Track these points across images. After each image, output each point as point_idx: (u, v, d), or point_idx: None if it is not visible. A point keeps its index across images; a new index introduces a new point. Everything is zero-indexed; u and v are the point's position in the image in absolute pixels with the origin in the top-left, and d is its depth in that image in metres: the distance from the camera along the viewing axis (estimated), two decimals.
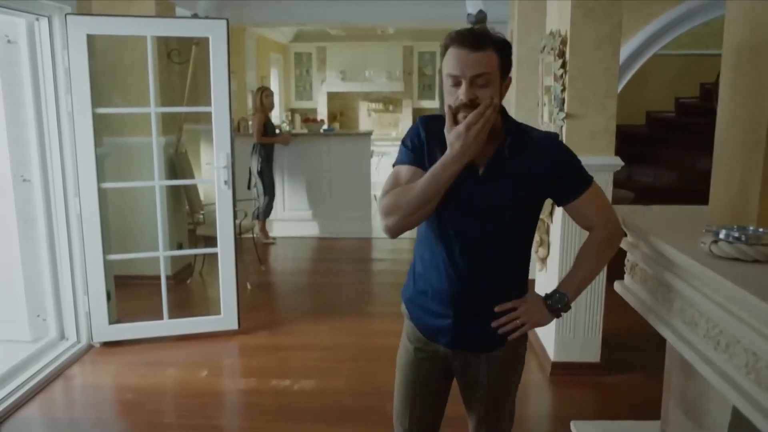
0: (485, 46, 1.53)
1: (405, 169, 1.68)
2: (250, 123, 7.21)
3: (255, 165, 6.46)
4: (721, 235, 1.42)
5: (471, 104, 1.53)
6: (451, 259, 1.69)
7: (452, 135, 1.55)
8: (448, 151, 1.58)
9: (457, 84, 1.55)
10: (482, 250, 1.68)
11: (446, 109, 1.59)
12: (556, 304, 1.76)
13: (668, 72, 8.50)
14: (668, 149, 7.98)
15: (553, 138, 1.71)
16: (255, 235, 6.18)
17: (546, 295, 1.79)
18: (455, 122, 1.56)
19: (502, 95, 1.61)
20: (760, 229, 1.46)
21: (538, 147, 1.65)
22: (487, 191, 1.64)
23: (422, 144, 1.68)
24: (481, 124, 1.52)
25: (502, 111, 1.68)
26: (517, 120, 1.73)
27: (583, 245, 1.78)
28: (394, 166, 1.73)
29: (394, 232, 1.66)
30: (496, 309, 1.72)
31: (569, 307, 1.79)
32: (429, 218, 1.68)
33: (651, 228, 1.75)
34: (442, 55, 1.60)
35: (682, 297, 1.60)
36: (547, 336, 3.74)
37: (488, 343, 1.77)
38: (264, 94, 6.47)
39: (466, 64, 1.52)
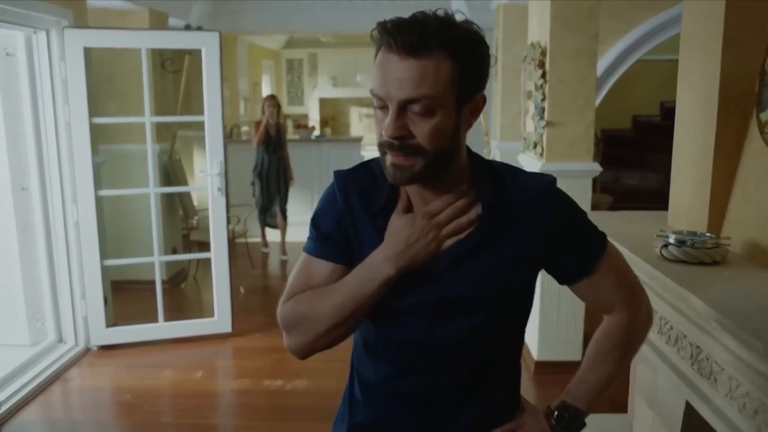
0: (428, 49, 0.95)
1: (316, 265, 1.15)
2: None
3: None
4: (671, 240, 1.56)
5: (400, 145, 0.99)
6: (402, 382, 1.16)
7: (395, 222, 1.08)
8: (382, 246, 1.07)
9: (383, 108, 1.01)
10: (448, 367, 1.13)
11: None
12: (569, 424, 1.20)
13: (654, 77, 8.67)
14: (654, 153, 8.15)
15: (547, 192, 1.11)
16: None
17: (549, 409, 1.22)
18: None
19: (466, 125, 1.06)
20: (706, 234, 1.60)
21: (525, 211, 1.09)
22: (449, 287, 1.09)
23: (339, 223, 1.13)
24: (452, 227, 1.06)
25: (470, 153, 1.12)
26: (495, 153, 1.27)
27: (597, 335, 1.23)
28: (304, 250, 1.19)
29: (301, 354, 1.19)
30: None
31: (584, 424, 1.22)
32: (364, 324, 1.18)
33: (614, 233, 1.88)
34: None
35: None
36: (531, 336, 3.88)
37: None
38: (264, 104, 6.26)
39: (392, 80, 0.97)
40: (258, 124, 6.10)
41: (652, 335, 1.64)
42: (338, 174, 1.18)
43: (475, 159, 1.13)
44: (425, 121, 0.98)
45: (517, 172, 1.14)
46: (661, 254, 1.57)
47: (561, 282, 1.18)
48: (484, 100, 1.06)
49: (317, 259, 1.14)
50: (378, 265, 1.06)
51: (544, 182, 1.12)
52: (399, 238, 1.05)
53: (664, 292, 1.55)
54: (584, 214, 1.17)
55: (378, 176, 1.11)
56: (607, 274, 1.14)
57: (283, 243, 6.34)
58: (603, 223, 2.07)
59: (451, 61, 0.97)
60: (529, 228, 1.08)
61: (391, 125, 0.98)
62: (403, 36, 0.94)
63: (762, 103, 1.54)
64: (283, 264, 6.28)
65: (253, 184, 6.19)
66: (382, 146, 1.02)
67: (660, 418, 1.81)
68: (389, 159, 1.02)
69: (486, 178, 1.10)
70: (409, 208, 1.09)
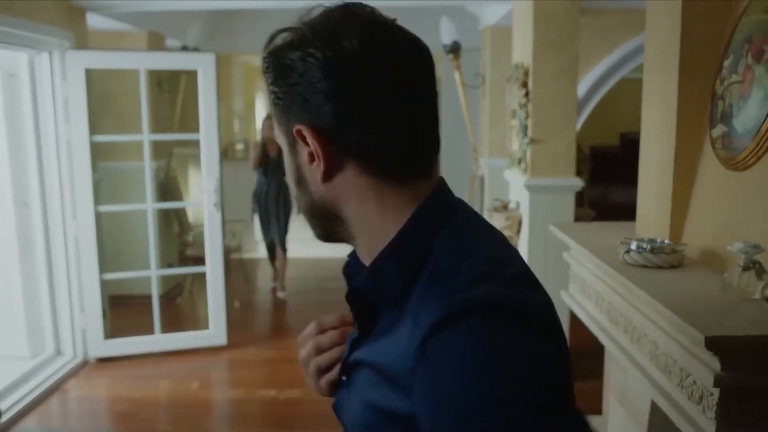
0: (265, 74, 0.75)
1: None
2: None
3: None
4: (632, 246, 1.70)
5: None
6: None
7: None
8: None
9: None
10: None
11: None
12: None
13: (640, 94, 8.86)
14: None
15: (439, 322, 0.63)
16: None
17: None
18: None
19: (317, 172, 0.74)
20: (665, 241, 1.74)
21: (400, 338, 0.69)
22: (344, 406, 0.84)
23: None
24: (325, 359, 0.85)
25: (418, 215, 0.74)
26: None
27: None
28: None
29: None
30: None
31: None
32: None
33: (584, 241, 2.03)
34: None
35: (609, 300, 1.87)
36: None
37: None
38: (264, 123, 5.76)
39: None
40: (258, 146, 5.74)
41: (621, 336, 1.78)
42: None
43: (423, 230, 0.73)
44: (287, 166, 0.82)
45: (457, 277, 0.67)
46: (624, 260, 1.71)
47: None
48: (314, 136, 0.72)
49: None
50: None
51: (450, 302, 0.63)
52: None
53: (626, 294, 1.69)
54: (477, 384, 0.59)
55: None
56: None
57: (282, 278, 5.73)
58: (576, 234, 2.21)
59: (272, 88, 0.76)
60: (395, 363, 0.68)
61: None
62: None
63: (713, 121, 1.69)
64: (281, 302, 5.69)
65: (253, 210, 5.82)
66: None
67: (630, 416, 1.94)
68: None
69: (391, 275, 0.73)
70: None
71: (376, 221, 0.75)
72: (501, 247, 0.74)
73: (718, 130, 1.66)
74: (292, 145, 0.76)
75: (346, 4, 0.73)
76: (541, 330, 0.64)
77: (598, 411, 3.45)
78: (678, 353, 1.38)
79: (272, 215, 5.54)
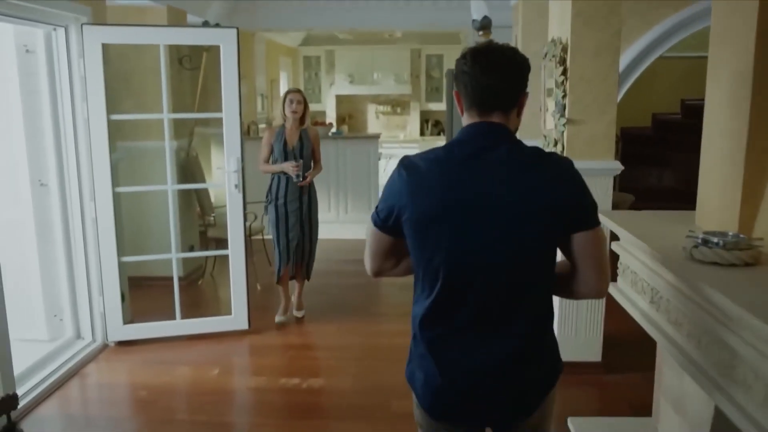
0: None
1: None
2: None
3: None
4: (701, 240, 1.51)
5: None
6: None
7: None
8: None
9: None
10: None
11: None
12: None
13: (674, 74, 8.54)
14: (674, 151, 8.03)
15: None
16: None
17: None
18: None
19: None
20: (739, 235, 1.55)
21: None
22: None
23: None
24: None
25: None
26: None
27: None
28: None
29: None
30: None
31: None
32: None
33: (640, 233, 1.84)
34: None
35: (668, 299, 1.69)
36: None
37: None
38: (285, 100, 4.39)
39: None
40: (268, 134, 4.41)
41: (682, 340, 1.60)
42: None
43: None
44: None
45: None
46: (691, 255, 1.52)
47: None
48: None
49: None
50: None
51: None
52: None
53: (693, 295, 1.50)
54: None
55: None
56: None
57: (299, 295, 4.68)
58: (627, 223, 2.03)
59: None
60: None
61: None
62: None
63: None
64: (299, 321, 4.64)
65: (266, 210, 4.52)
66: None
67: (687, 424, 1.77)
68: None
69: None
70: None
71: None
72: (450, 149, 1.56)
73: None
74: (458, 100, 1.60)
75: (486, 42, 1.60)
76: (399, 174, 1.55)
77: (636, 405, 3.28)
78: (764, 368, 1.20)
79: (293, 227, 4.38)
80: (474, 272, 1.47)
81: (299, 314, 4.68)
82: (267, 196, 4.46)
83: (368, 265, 1.66)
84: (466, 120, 1.55)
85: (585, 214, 1.45)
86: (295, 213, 4.39)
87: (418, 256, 1.52)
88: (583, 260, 1.46)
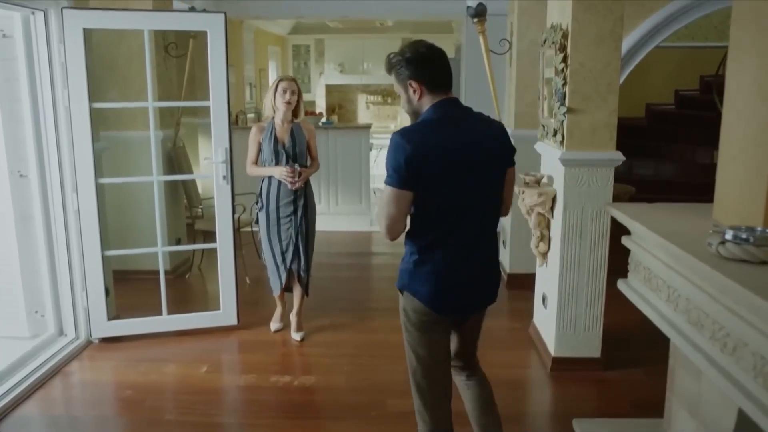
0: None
1: None
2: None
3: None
4: (728, 236, 1.40)
5: None
6: None
7: None
8: None
9: None
10: None
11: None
12: None
13: (668, 64, 8.47)
14: (668, 142, 7.97)
15: None
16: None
17: None
18: None
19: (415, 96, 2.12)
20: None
21: None
22: None
23: None
24: None
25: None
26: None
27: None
28: None
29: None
30: None
31: None
32: None
33: (656, 227, 1.73)
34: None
35: (687, 297, 1.58)
36: (548, 331, 3.73)
37: None
38: (276, 89, 3.86)
39: None
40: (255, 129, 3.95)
41: (704, 342, 1.49)
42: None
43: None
44: None
45: None
46: (718, 252, 1.41)
47: None
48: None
49: None
50: None
51: None
52: None
53: (718, 294, 1.40)
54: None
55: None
56: None
57: (299, 313, 4.13)
58: (641, 216, 1.92)
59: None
60: None
61: None
62: None
63: None
64: (297, 346, 4.04)
65: (256, 219, 4.10)
66: None
67: (704, 429, 1.67)
68: None
69: None
70: None
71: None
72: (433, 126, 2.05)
73: None
74: (406, 90, 2.08)
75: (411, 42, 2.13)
76: (405, 143, 1.94)
77: (637, 402, 3.20)
78: None
79: (285, 232, 3.94)
80: (471, 205, 2.02)
81: (298, 336, 4.05)
82: (257, 201, 3.99)
83: (394, 228, 2.01)
84: (429, 100, 2.04)
85: (513, 155, 2.15)
86: (288, 219, 3.91)
87: (430, 200, 1.98)
88: (507, 189, 2.15)
